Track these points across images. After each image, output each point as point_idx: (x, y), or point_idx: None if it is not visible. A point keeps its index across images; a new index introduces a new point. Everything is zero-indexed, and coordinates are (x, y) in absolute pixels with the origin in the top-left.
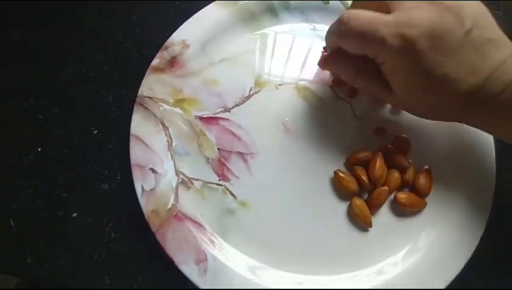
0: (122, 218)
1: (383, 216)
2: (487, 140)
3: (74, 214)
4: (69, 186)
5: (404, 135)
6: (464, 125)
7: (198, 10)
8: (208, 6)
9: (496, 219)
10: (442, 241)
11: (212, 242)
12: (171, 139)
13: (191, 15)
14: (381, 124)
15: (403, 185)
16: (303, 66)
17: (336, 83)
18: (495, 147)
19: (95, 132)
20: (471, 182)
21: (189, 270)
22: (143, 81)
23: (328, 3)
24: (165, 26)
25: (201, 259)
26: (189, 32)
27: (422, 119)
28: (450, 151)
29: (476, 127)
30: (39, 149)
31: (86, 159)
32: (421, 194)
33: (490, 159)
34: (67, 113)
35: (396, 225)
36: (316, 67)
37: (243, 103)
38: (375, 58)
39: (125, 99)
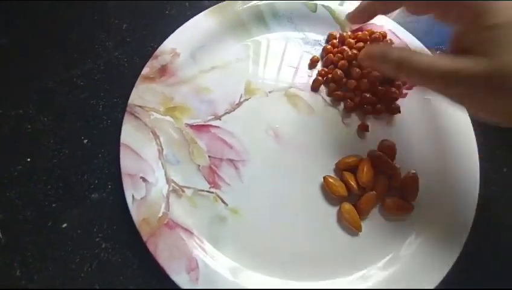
0: (113, 227)
1: (373, 221)
2: (470, 145)
3: (64, 225)
4: (58, 196)
5: (390, 140)
6: (448, 130)
7: (189, 19)
8: (198, 15)
9: (480, 225)
10: (427, 246)
11: (204, 250)
12: (162, 148)
13: (182, 24)
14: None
15: (391, 190)
16: (293, 73)
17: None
18: (479, 152)
19: (85, 141)
20: (456, 188)
21: (181, 279)
22: (133, 90)
23: (315, 10)
24: (155, 35)
25: (193, 267)
26: (179, 41)
27: (407, 123)
28: (435, 156)
29: None
30: (28, 159)
31: (76, 169)
32: (408, 199)
33: (474, 164)
34: (56, 122)
35: (384, 230)
36: (306, 75)
37: (234, 110)
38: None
39: (115, 108)
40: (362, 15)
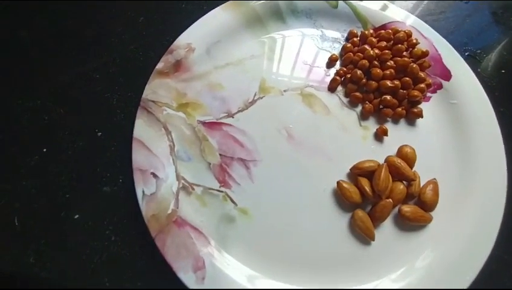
0: (123, 221)
1: (387, 230)
2: (498, 152)
3: (76, 216)
4: (71, 187)
5: (410, 146)
6: (475, 137)
7: (205, 13)
8: (214, 9)
9: (505, 240)
10: (445, 260)
11: (211, 250)
12: (174, 144)
13: (198, 18)
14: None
15: (408, 198)
16: (309, 72)
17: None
18: (507, 161)
19: (99, 134)
20: (480, 199)
21: (187, 277)
22: (147, 85)
23: (336, 6)
24: (171, 29)
25: (200, 266)
26: (195, 36)
27: (429, 129)
28: (459, 164)
29: None
30: (44, 150)
31: (89, 161)
32: (427, 208)
33: (502, 174)
34: (71, 114)
35: (399, 240)
36: (323, 74)
37: (247, 108)
38: None
39: (129, 102)
40: None
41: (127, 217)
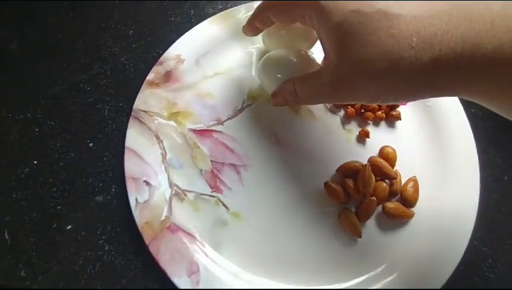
0: (116, 230)
1: (373, 227)
2: (470, 149)
3: (68, 227)
4: (63, 198)
5: (390, 146)
6: (449, 137)
7: (193, 27)
8: (202, 22)
9: (480, 233)
10: (427, 253)
11: (205, 253)
12: (165, 152)
13: (186, 31)
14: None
15: (391, 196)
16: None
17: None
18: (480, 160)
19: (91, 144)
20: (456, 194)
21: (182, 282)
22: (138, 95)
23: None
24: (160, 42)
25: (194, 270)
26: (184, 48)
27: (408, 130)
28: (435, 163)
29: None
30: (35, 162)
31: (81, 172)
32: (408, 204)
33: (474, 171)
34: (63, 126)
35: (385, 236)
36: None
37: (236, 115)
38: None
39: (120, 113)
40: (254, 24)
41: (119, 226)
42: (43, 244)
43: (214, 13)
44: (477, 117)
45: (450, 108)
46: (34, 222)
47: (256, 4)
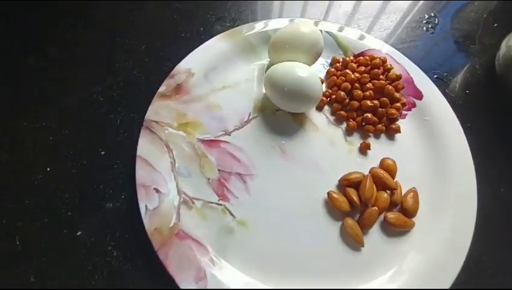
0: (124, 236)
1: (375, 236)
2: (467, 162)
3: (78, 233)
4: (74, 205)
5: (391, 158)
6: (446, 149)
7: (202, 43)
8: (212, 39)
9: (479, 243)
10: (428, 261)
11: (212, 261)
12: (175, 161)
13: (195, 46)
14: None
15: (392, 206)
16: None
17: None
18: (477, 172)
19: (103, 152)
20: (455, 205)
21: (189, 288)
22: (150, 106)
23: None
24: (170, 56)
25: (201, 277)
26: (194, 62)
27: (407, 143)
28: (434, 174)
29: None
30: (48, 169)
31: (93, 179)
32: (409, 215)
33: (472, 182)
34: (76, 135)
35: (386, 245)
36: None
37: (243, 127)
38: None
39: (131, 123)
40: None
41: (128, 232)
42: (53, 249)
43: (222, 30)
44: (474, 130)
45: (447, 122)
46: (45, 228)
47: (261, 24)
